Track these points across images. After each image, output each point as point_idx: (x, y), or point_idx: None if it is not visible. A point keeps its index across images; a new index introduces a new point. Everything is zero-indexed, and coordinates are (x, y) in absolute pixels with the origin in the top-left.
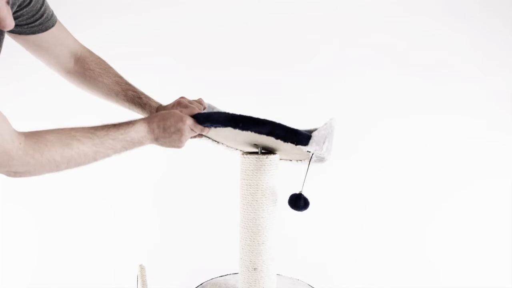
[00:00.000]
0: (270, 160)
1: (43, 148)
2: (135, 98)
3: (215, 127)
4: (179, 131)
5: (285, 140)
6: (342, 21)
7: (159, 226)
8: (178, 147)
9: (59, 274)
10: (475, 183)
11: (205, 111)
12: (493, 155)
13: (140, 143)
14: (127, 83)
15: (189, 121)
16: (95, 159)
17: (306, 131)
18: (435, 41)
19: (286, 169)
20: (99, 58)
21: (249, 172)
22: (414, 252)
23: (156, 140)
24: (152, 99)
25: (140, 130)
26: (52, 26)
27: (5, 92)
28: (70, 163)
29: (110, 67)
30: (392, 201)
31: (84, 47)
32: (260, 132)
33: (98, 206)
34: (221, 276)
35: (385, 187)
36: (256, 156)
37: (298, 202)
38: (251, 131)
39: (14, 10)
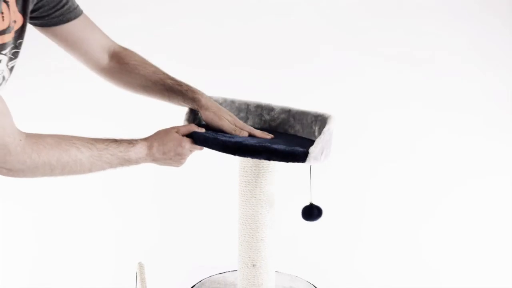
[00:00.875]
0: None
1: (41, 149)
2: (174, 85)
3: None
4: (178, 155)
5: (283, 161)
6: (341, 19)
7: (158, 223)
8: (178, 167)
9: (57, 273)
10: (474, 181)
11: (221, 106)
12: (492, 152)
13: (137, 162)
14: (164, 73)
15: (188, 145)
16: (90, 171)
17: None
18: (434, 39)
19: (285, 165)
20: (134, 52)
21: (247, 168)
22: (413, 249)
23: (155, 161)
24: (195, 88)
25: (140, 152)
26: (75, 18)
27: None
28: (65, 170)
29: (146, 60)
30: (391, 199)
31: (117, 44)
32: (257, 158)
33: (96, 204)
34: (220, 273)
35: (384, 184)
36: None
37: (312, 212)
38: (247, 157)
39: (35, 2)
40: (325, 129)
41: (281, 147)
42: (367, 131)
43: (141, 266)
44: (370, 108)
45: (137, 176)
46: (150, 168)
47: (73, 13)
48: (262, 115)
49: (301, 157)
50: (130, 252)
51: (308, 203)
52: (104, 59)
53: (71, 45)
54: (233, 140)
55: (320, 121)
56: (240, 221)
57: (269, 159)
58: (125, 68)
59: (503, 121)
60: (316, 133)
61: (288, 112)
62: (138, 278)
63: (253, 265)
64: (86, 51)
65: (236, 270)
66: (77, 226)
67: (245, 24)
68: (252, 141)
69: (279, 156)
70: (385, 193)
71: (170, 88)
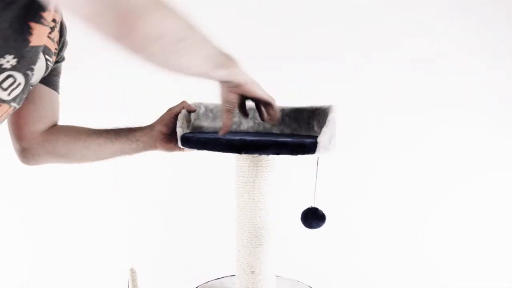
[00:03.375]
0: (267, 156)
1: (171, 14)
2: (115, 129)
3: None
4: None
5: (292, 154)
6: (342, 14)
7: (152, 227)
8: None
9: (49, 279)
10: (477, 177)
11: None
12: (495, 149)
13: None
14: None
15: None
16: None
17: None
18: (436, 34)
19: (284, 165)
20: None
21: (245, 169)
22: (415, 250)
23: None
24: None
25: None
26: (55, 90)
27: None
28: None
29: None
30: (392, 198)
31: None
32: (265, 154)
33: (88, 208)
34: (217, 278)
35: (385, 184)
36: None
37: (312, 217)
38: (254, 154)
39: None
40: (329, 117)
41: (288, 139)
42: (368, 127)
43: (133, 272)
44: (370, 102)
45: (131, 179)
46: (145, 170)
47: (57, 86)
48: (255, 118)
49: (311, 147)
50: (122, 257)
51: (310, 206)
52: (42, 128)
53: (32, 99)
54: (236, 138)
55: (318, 114)
56: (238, 225)
57: (278, 153)
58: (56, 137)
59: (506, 116)
60: (316, 128)
61: (282, 111)
62: (130, 284)
63: (252, 271)
64: (37, 110)
65: (234, 275)
66: (69, 230)
67: (245, 21)
68: (256, 137)
69: (288, 149)
70: (387, 196)
71: (110, 132)
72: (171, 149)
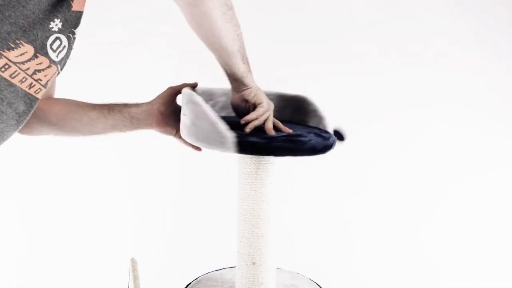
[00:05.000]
0: None
1: None
2: (109, 104)
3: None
4: None
5: (320, 154)
6: (341, 11)
7: (153, 217)
8: None
9: (50, 269)
10: (476, 175)
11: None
12: (495, 147)
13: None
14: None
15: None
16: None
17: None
18: (436, 32)
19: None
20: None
21: (247, 160)
22: (414, 245)
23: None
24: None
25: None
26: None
27: None
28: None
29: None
30: (393, 195)
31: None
32: (300, 156)
33: (89, 199)
34: (218, 270)
35: (386, 180)
36: None
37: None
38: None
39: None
40: (321, 113)
41: (319, 141)
42: (367, 124)
43: (133, 262)
44: (368, 99)
45: (132, 171)
46: (145, 162)
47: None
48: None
49: (332, 145)
50: (123, 247)
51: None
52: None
53: None
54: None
55: (292, 102)
56: (239, 216)
57: (311, 155)
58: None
59: (505, 116)
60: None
61: (281, 97)
62: (131, 274)
63: (253, 263)
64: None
65: (234, 267)
66: (70, 222)
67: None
68: (287, 139)
69: (321, 150)
70: (387, 189)
71: (104, 106)
72: (167, 132)
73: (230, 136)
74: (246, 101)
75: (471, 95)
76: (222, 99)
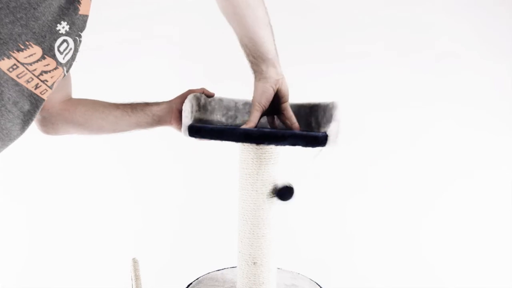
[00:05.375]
0: (271, 148)
1: None
2: (132, 103)
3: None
4: None
5: (306, 146)
6: (342, 11)
7: (154, 217)
8: None
9: (52, 269)
10: (476, 175)
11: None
12: (495, 146)
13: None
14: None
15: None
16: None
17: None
18: (436, 31)
19: (288, 157)
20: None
21: (248, 160)
22: (414, 245)
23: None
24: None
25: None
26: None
27: None
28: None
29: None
30: (392, 194)
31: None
32: (282, 145)
33: (90, 199)
34: (219, 270)
35: (385, 180)
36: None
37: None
38: (270, 145)
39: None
40: (335, 113)
41: (303, 132)
42: (368, 123)
43: (135, 262)
44: (370, 99)
45: (134, 171)
46: (146, 161)
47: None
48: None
49: (323, 140)
50: (125, 247)
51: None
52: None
53: None
54: (254, 129)
55: (316, 111)
56: (240, 216)
57: (294, 144)
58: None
59: (504, 116)
60: (313, 124)
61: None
62: (132, 274)
63: (254, 263)
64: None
65: (235, 267)
66: (71, 222)
67: None
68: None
69: (304, 140)
70: (388, 190)
71: (126, 105)
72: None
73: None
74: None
75: (471, 95)
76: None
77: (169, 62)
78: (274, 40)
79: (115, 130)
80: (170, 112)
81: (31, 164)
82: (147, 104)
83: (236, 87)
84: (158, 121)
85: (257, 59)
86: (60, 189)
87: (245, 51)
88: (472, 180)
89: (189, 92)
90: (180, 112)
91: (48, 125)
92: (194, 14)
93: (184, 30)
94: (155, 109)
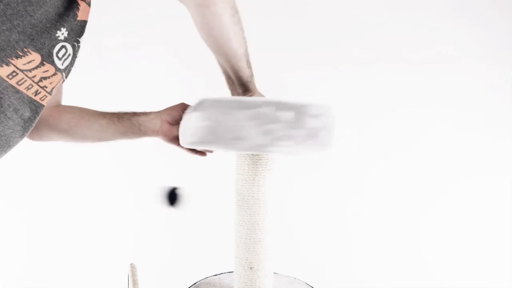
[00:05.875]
0: (267, 154)
1: None
2: (119, 113)
3: None
4: None
5: None
6: (341, 13)
7: (151, 222)
8: None
9: (49, 273)
10: (474, 177)
11: None
12: (493, 150)
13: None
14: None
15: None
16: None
17: None
18: (435, 34)
19: (284, 164)
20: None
21: (245, 167)
22: (413, 250)
23: None
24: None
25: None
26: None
27: None
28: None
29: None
30: (390, 197)
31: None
32: None
33: (88, 204)
34: (216, 275)
35: (383, 183)
36: None
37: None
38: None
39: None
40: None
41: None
42: (366, 126)
43: (133, 267)
44: (368, 102)
45: (131, 176)
46: (144, 168)
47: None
48: None
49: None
50: (122, 252)
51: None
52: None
53: None
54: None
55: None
56: (237, 222)
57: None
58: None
59: (505, 117)
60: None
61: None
62: (130, 279)
63: (251, 267)
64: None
65: (232, 272)
66: (69, 227)
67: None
68: None
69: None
70: (384, 195)
71: (113, 115)
72: (171, 142)
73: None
74: None
75: (469, 98)
76: None
77: (168, 67)
78: (250, 65)
79: (100, 138)
80: (158, 124)
81: (32, 168)
82: (134, 114)
83: None
84: (145, 131)
85: (235, 82)
86: (60, 193)
87: (226, 75)
88: (470, 183)
89: (182, 104)
90: (168, 124)
91: (33, 131)
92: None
93: (183, 35)
94: (142, 120)
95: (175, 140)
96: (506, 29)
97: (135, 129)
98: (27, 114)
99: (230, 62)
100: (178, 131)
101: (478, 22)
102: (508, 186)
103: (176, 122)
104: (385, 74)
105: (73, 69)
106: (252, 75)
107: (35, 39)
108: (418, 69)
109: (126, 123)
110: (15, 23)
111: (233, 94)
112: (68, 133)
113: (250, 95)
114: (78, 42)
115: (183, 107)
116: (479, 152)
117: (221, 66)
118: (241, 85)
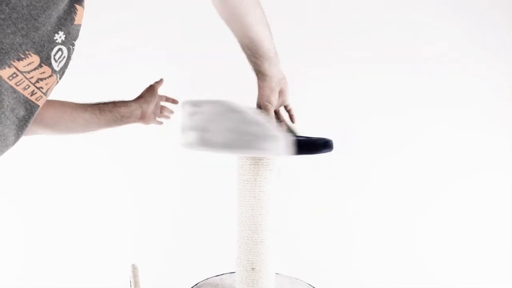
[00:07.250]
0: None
1: None
2: (100, 105)
3: None
4: None
5: (323, 152)
6: (340, 15)
7: (153, 223)
8: None
9: (50, 275)
10: (473, 177)
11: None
12: (493, 149)
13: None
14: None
15: None
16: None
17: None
18: (434, 34)
19: (285, 164)
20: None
21: (246, 167)
22: (413, 251)
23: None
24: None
25: None
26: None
27: None
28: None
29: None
30: (391, 197)
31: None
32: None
33: (89, 204)
34: (217, 275)
35: (383, 182)
36: None
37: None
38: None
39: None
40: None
41: (321, 139)
42: (366, 127)
43: (134, 268)
44: (368, 102)
45: (133, 177)
46: (146, 168)
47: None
48: None
49: (331, 146)
50: (124, 253)
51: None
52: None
53: None
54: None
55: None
56: (238, 222)
57: (322, 152)
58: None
59: (504, 117)
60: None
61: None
62: (132, 280)
63: (252, 268)
64: None
65: (234, 272)
66: (69, 227)
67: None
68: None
69: (326, 147)
70: (385, 195)
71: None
72: (149, 123)
73: (284, 137)
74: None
75: (468, 98)
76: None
77: (161, 69)
78: (273, 39)
79: (84, 131)
80: (138, 114)
81: (31, 168)
82: (115, 105)
83: (230, 93)
84: (127, 120)
85: (259, 59)
86: (60, 193)
87: (246, 52)
88: (470, 183)
89: (151, 87)
90: (147, 109)
91: None
92: (188, 22)
93: (177, 38)
94: (123, 111)
95: (152, 121)
96: (506, 29)
97: (117, 120)
98: (22, 113)
99: (259, 32)
100: (153, 113)
101: (478, 22)
102: (508, 186)
103: (153, 106)
104: (385, 74)
105: (66, 70)
106: (276, 53)
107: (37, 42)
108: (418, 69)
109: (108, 115)
110: (20, 27)
111: (261, 77)
112: (53, 127)
113: (281, 77)
114: (73, 45)
115: (153, 90)
116: (479, 152)
117: (244, 43)
118: (269, 59)
